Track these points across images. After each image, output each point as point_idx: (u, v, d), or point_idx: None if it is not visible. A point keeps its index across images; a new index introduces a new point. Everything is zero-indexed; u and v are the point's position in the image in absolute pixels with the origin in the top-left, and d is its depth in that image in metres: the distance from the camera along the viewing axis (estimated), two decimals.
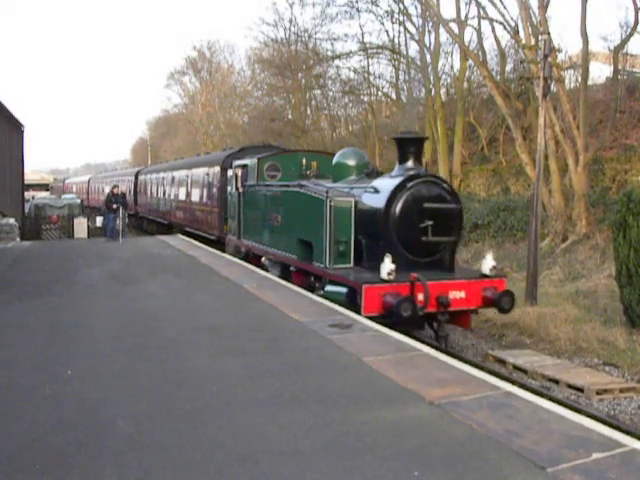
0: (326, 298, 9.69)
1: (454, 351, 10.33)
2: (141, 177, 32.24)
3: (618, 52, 19.17)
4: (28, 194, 39.74)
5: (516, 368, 9.92)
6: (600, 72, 24.63)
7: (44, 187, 66.11)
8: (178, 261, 14.55)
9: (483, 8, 22.38)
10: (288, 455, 4.09)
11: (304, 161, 13.83)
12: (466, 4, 24.34)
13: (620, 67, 20.61)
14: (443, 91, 27.82)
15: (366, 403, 5.06)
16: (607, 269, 13.93)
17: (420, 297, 8.97)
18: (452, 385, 5.54)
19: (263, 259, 13.71)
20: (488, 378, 5.88)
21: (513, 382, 8.17)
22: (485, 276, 9.84)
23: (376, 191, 10.23)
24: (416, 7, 27.51)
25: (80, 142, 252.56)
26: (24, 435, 4.42)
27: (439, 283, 9.31)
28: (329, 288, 10.01)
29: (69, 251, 16.81)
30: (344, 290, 9.52)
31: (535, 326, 11.84)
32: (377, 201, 10.02)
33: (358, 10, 29.85)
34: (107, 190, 39.18)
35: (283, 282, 11.47)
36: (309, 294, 10.32)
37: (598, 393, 8.63)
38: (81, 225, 24.43)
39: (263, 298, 9.63)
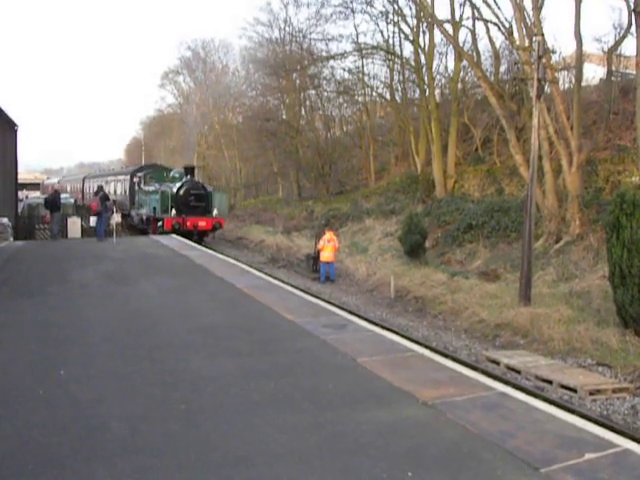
0: (159, 227, 24.22)
1: (448, 352, 10.37)
2: (86, 181, 46.02)
3: (612, 53, 19.23)
4: (22, 194, 39.66)
5: (510, 368, 9.94)
6: (594, 73, 24.73)
7: (37, 187, 65.90)
8: (172, 261, 14.54)
9: (477, 9, 22.45)
10: (283, 456, 4.09)
11: (165, 174, 28.19)
12: (460, 5, 24.43)
13: (614, 68, 20.67)
14: (437, 92, 27.86)
15: (360, 404, 5.07)
16: (600, 270, 13.96)
17: (188, 224, 23.41)
18: (446, 386, 5.55)
19: (143, 217, 27.94)
20: (482, 379, 5.89)
21: (507, 382, 8.19)
22: (214, 217, 24.40)
23: (175, 186, 24.87)
24: (411, 8, 27.66)
25: (74, 141, 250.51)
26: (17, 436, 4.41)
27: (195, 218, 23.77)
28: (159, 223, 24.23)
29: (63, 251, 16.74)
30: (162, 223, 23.95)
31: (529, 327, 11.86)
32: (175, 190, 24.64)
33: (353, 11, 29.98)
34: (70, 189, 48.49)
35: (277, 282, 11.60)
36: (303, 294, 10.45)
37: (591, 393, 8.66)
38: (75, 225, 24.25)
39: (257, 298, 9.64)
